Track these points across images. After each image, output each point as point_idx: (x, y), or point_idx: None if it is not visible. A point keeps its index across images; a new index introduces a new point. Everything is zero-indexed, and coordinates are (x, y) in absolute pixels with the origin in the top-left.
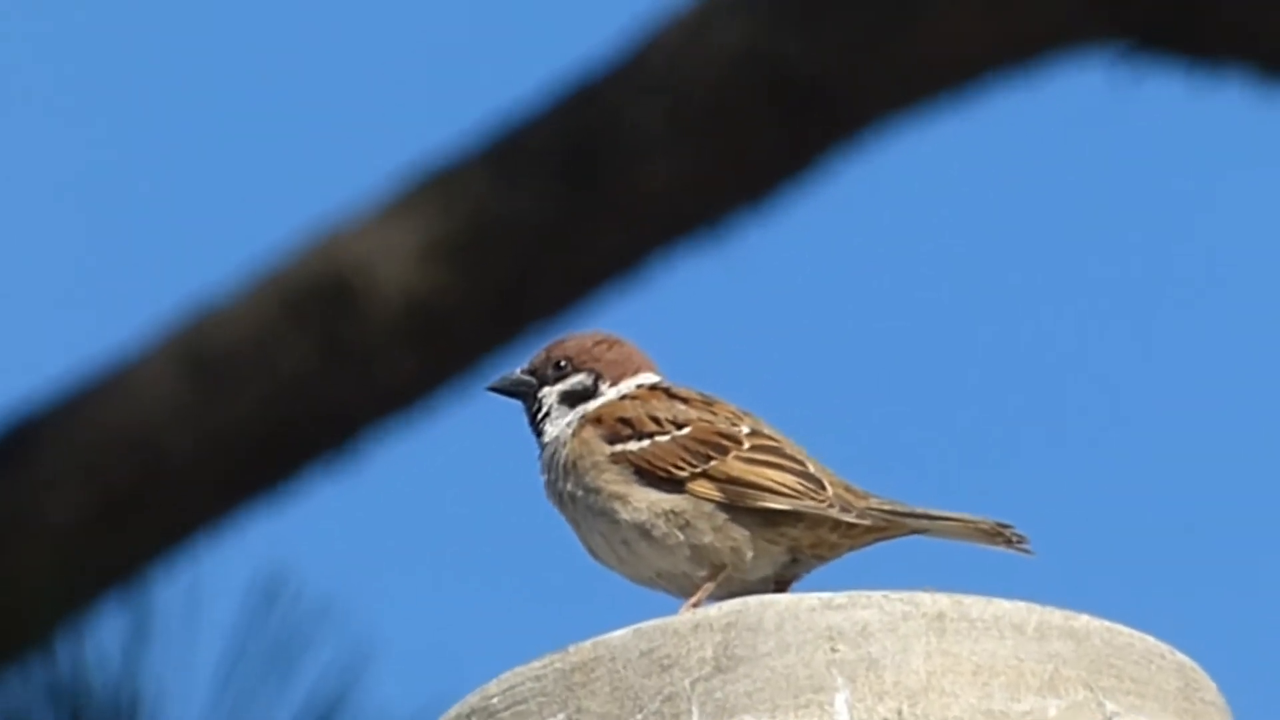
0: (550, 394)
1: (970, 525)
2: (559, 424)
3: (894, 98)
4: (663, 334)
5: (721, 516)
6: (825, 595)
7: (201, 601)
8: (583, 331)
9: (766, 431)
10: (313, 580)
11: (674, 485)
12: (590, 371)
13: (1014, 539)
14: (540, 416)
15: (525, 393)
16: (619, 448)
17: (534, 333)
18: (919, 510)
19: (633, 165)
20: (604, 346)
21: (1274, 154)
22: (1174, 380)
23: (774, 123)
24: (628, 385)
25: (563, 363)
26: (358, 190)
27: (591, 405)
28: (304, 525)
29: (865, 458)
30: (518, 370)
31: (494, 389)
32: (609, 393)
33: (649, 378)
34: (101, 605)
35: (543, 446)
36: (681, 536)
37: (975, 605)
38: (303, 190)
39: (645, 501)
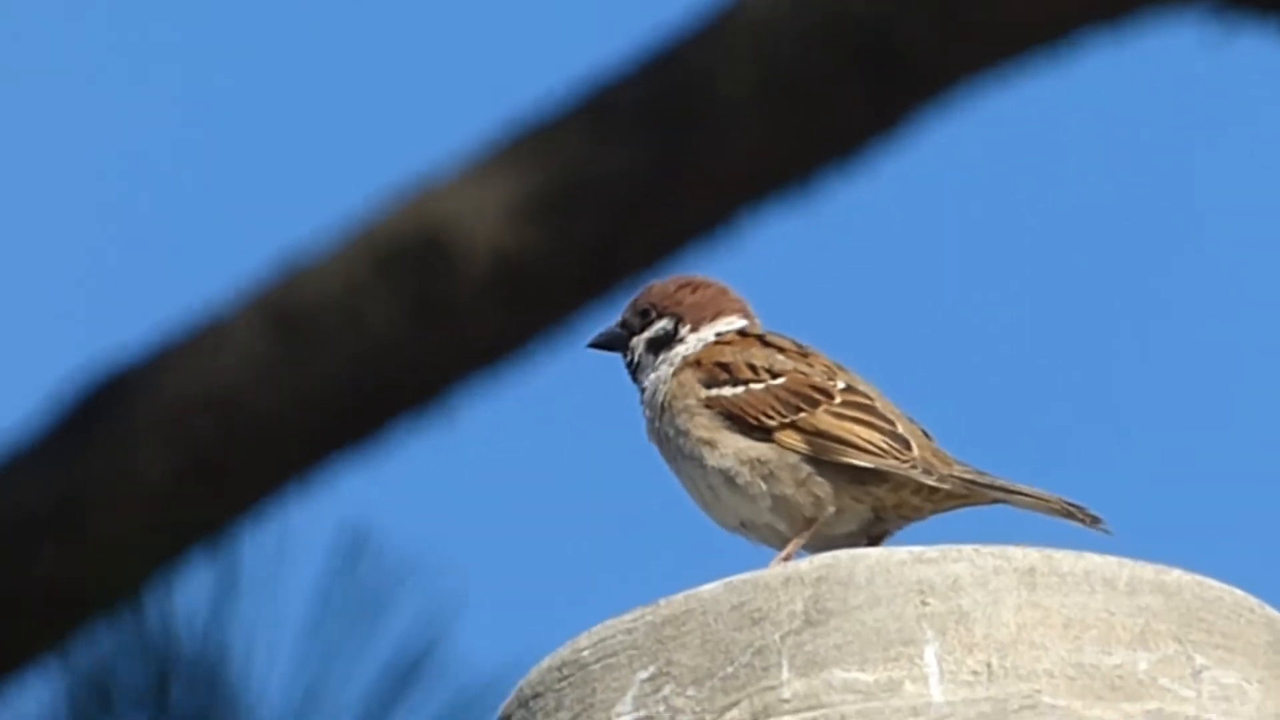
0: (638, 342)
1: (1044, 502)
2: (650, 370)
3: (980, 59)
4: (750, 293)
5: (806, 469)
6: (916, 549)
7: (287, 556)
8: (669, 276)
9: (861, 388)
10: (397, 535)
11: (763, 434)
12: (672, 316)
13: (1086, 519)
14: (633, 366)
15: (618, 345)
16: (714, 392)
17: (622, 289)
18: (998, 482)
19: (721, 125)
20: (687, 290)
21: None
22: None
23: (860, 84)
24: (710, 329)
25: (647, 310)
26: (449, 148)
27: (676, 350)
28: (391, 480)
29: (954, 420)
30: (613, 324)
31: (592, 345)
32: (689, 337)
33: (735, 321)
34: (190, 561)
35: (642, 391)
36: (764, 486)
37: (1066, 559)
38: (394, 147)
39: (733, 448)
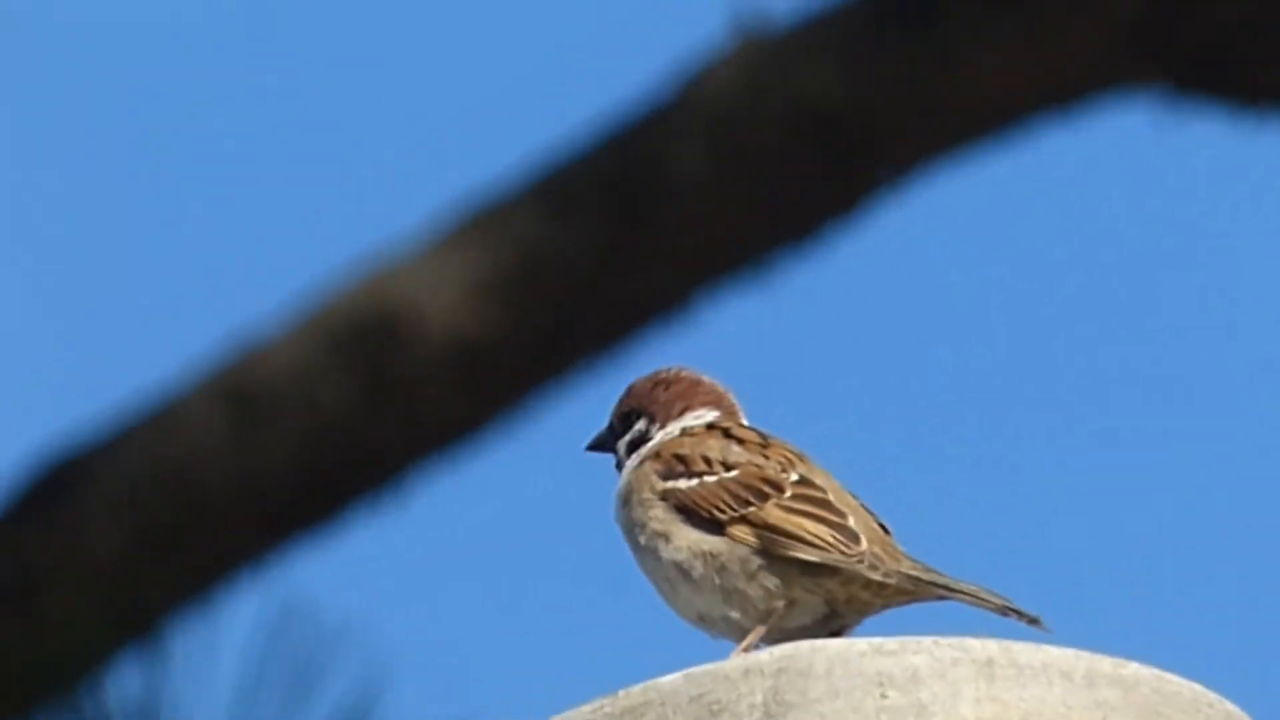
0: (621, 445)
1: (983, 600)
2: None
3: (936, 140)
4: (710, 372)
5: (756, 562)
6: (876, 640)
7: (218, 627)
8: (649, 375)
9: (816, 480)
10: (334, 604)
11: (715, 527)
12: (647, 415)
13: (1024, 618)
14: (619, 467)
15: (609, 447)
16: (670, 484)
17: (580, 371)
18: (941, 579)
19: (677, 205)
20: (661, 388)
21: None
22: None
23: (815, 164)
24: (676, 425)
25: (629, 413)
26: (403, 227)
27: (645, 448)
28: (344, 553)
29: (907, 498)
30: (604, 427)
31: (589, 448)
32: (658, 435)
33: (705, 415)
34: (142, 643)
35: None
36: (717, 580)
37: (1024, 652)
38: (349, 227)
39: (686, 541)
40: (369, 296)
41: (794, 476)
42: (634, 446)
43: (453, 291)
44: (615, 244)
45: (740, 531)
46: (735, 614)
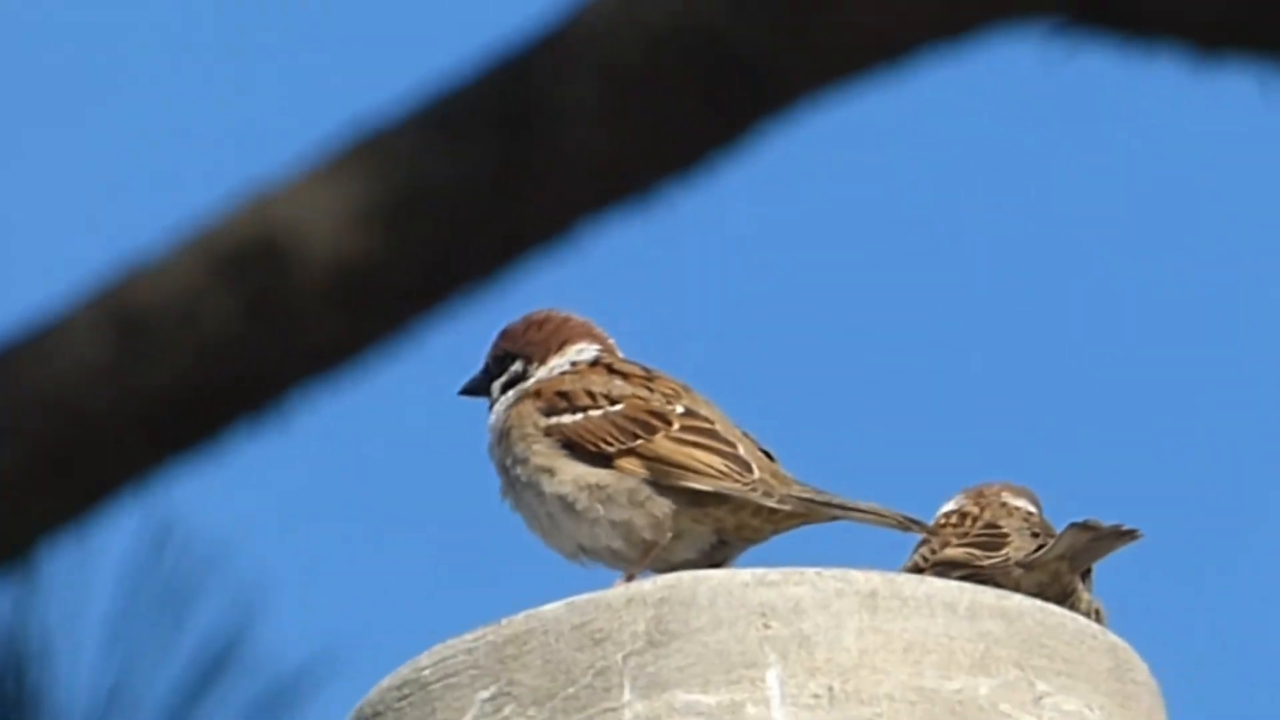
0: (496, 387)
1: (881, 517)
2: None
3: (823, 72)
4: (593, 300)
5: (645, 493)
6: (759, 571)
7: (90, 551)
8: (520, 318)
9: (702, 412)
10: (205, 528)
11: (602, 460)
12: (522, 357)
13: (924, 531)
14: (492, 409)
15: (483, 390)
16: (553, 420)
17: (465, 297)
18: (836, 500)
19: (564, 133)
20: (534, 329)
21: (1207, 131)
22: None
23: (703, 95)
24: (557, 362)
25: (503, 356)
26: (288, 153)
27: (525, 385)
28: (216, 477)
29: (793, 429)
30: (479, 370)
31: (462, 392)
32: (538, 373)
33: (587, 350)
34: (15, 566)
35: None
36: (602, 511)
37: (908, 583)
38: (234, 152)
39: (571, 475)
40: (253, 220)
41: (679, 409)
42: (509, 388)
43: (337, 216)
44: (501, 172)
45: (629, 464)
46: (620, 545)
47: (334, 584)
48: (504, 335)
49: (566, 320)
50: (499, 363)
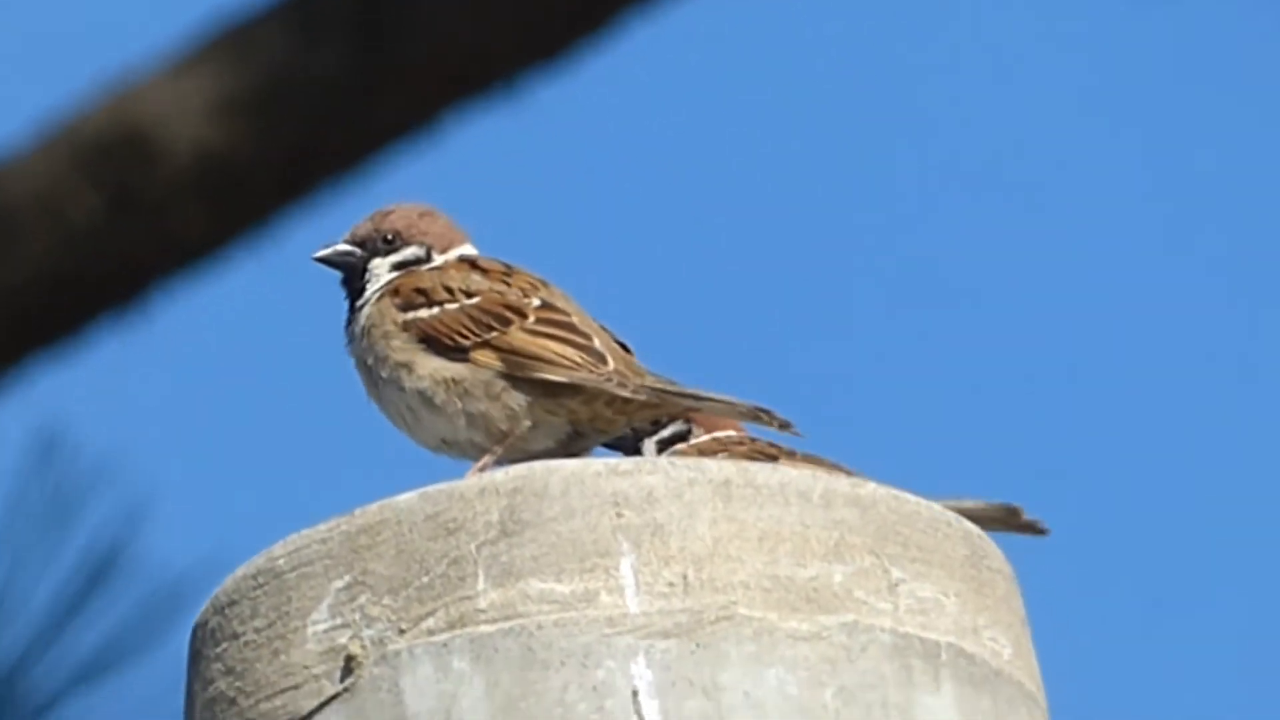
0: (382, 265)
1: (733, 407)
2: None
3: None
4: (454, 194)
5: (500, 385)
6: (611, 460)
7: None
8: (405, 204)
9: (558, 305)
10: (90, 435)
11: (459, 354)
12: (421, 244)
13: (775, 422)
14: (367, 288)
15: (352, 264)
16: (410, 315)
17: (326, 189)
18: (688, 390)
19: (424, 23)
20: (430, 219)
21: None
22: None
23: None
24: (454, 254)
25: (390, 235)
26: (151, 45)
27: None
28: (83, 381)
29: (650, 324)
30: (341, 241)
31: (320, 259)
32: (439, 260)
33: (468, 250)
34: None
35: (354, 312)
36: (460, 404)
37: (761, 473)
38: (95, 45)
39: (428, 369)
40: (115, 113)
41: (536, 302)
42: (401, 267)
43: (198, 109)
44: (361, 64)
45: (484, 356)
46: (478, 437)
47: (211, 487)
48: (390, 215)
49: (452, 223)
50: (386, 241)
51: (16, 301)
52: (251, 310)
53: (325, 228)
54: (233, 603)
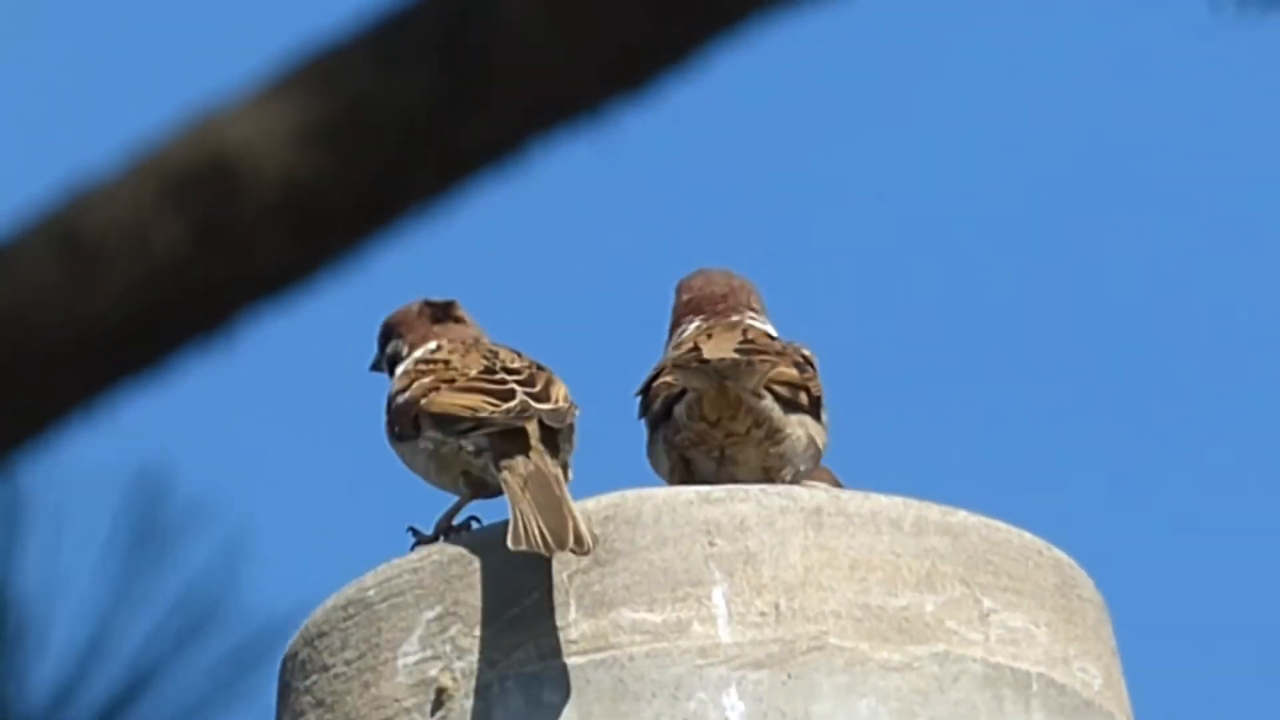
0: (384, 360)
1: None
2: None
3: None
4: (541, 221)
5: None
6: (703, 489)
7: (76, 498)
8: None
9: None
10: (188, 473)
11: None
12: (396, 338)
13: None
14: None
15: (378, 368)
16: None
17: (412, 218)
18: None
19: (510, 52)
20: (405, 311)
21: None
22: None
23: (650, 10)
24: (427, 347)
25: (384, 332)
26: (236, 74)
27: (406, 363)
28: (181, 417)
29: None
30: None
31: (371, 369)
32: (409, 355)
33: (445, 342)
34: None
35: None
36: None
37: (852, 500)
38: (182, 74)
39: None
40: (201, 141)
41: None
42: (391, 363)
43: (285, 137)
44: (447, 91)
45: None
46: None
47: (312, 526)
48: (396, 311)
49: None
50: (385, 337)
51: (100, 332)
52: (339, 339)
53: (412, 255)
54: (322, 634)
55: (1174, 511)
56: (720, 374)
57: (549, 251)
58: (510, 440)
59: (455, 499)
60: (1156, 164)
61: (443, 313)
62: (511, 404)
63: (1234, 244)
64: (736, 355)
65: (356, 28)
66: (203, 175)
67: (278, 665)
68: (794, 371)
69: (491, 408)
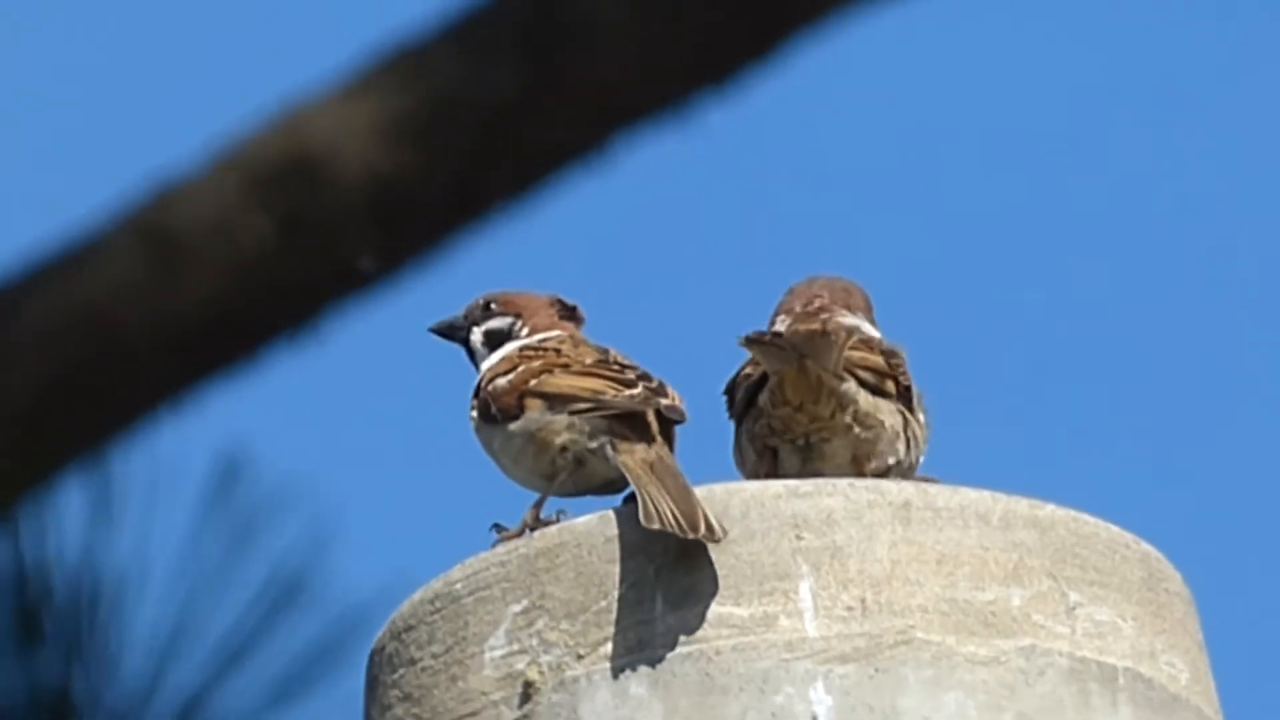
0: (477, 333)
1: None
2: (483, 360)
3: None
4: (625, 216)
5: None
6: (791, 483)
7: (162, 481)
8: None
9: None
10: (273, 458)
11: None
12: (515, 316)
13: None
14: (473, 355)
15: (455, 335)
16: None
17: (497, 213)
18: None
19: (595, 47)
20: (532, 296)
21: None
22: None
23: (735, 7)
24: (544, 335)
25: (492, 305)
26: (321, 69)
27: (511, 345)
28: (267, 404)
29: None
30: (456, 314)
31: (431, 330)
32: (525, 336)
33: (561, 334)
34: (60, 486)
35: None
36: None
37: (940, 494)
38: (267, 69)
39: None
40: (286, 137)
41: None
42: (492, 338)
43: (368, 132)
44: (532, 87)
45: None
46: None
47: (396, 511)
48: (501, 290)
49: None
50: (485, 310)
51: (187, 327)
52: (423, 334)
53: (499, 250)
54: (410, 628)
55: (1262, 505)
56: (795, 347)
57: (633, 249)
58: (630, 428)
59: (537, 495)
60: None
61: (570, 312)
62: (635, 391)
63: None
64: (811, 329)
65: (440, 24)
66: (288, 171)
67: (364, 653)
68: (879, 358)
69: (614, 391)
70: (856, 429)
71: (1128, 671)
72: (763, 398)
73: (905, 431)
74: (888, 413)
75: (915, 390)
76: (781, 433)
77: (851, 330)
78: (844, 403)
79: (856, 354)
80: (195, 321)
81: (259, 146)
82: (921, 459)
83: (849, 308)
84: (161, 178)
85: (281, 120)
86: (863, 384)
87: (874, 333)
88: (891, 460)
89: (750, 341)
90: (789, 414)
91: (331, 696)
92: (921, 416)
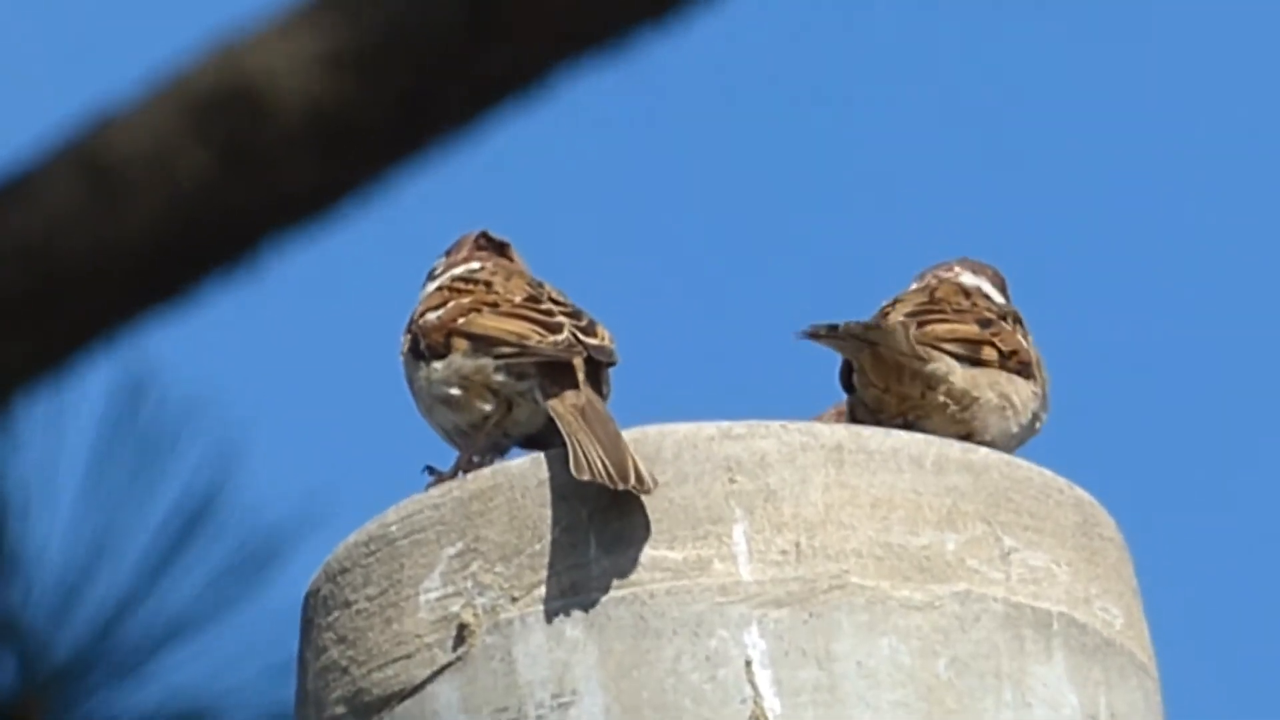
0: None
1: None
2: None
3: None
4: (566, 148)
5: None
6: (724, 424)
7: (66, 402)
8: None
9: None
10: (181, 378)
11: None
12: (445, 255)
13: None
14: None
15: None
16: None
17: (439, 144)
18: None
19: None
20: (467, 237)
21: None
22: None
23: None
24: (469, 266)
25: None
26: (259, 2)
27: (444, 277)
28: (191, 329)
29: (767, 277)
30: None
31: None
32: (441, 272)
33: (493, 266)
34: None
35: None
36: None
37: (873, 437)
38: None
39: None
40: (225, 67)
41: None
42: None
43: (308, 62)
44: (474, 17)
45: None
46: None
47: (313, 437)
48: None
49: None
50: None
51: (126, 259)
52: (359, 264)
53: (438, 181)
54: (344, 570)
55: (1195, 449)
56: (854, 338)
57: (578, 182)
58: (557, 373)
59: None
60: None
61: (496, 248)
62: (559, 336)
63: None
64: (865, 322)
65: None
66: (226, 100)
67: (280, 574)
68: (972, 327)
69: (539, 337)
70: (952, 406)
71: (1062, 617)
72: (856, 379)
73: (1011, 400)
74: (988, 386)
75: (1032, 352)
76: (878, 413)
77: (957, 312)
78: (932, 382)
79: (943, 327)
80: (135, 251)
81: (198, 76)
82: (1040, 425)
83: (975, 271)
84: (101, 108)
85: (221, 51)
86: (956, 357)
87: (996, 296)
88: (1003, 430)
89: (811, 336)
90: (878, 395)
91: (247, 619)
92: (1039, 373)
